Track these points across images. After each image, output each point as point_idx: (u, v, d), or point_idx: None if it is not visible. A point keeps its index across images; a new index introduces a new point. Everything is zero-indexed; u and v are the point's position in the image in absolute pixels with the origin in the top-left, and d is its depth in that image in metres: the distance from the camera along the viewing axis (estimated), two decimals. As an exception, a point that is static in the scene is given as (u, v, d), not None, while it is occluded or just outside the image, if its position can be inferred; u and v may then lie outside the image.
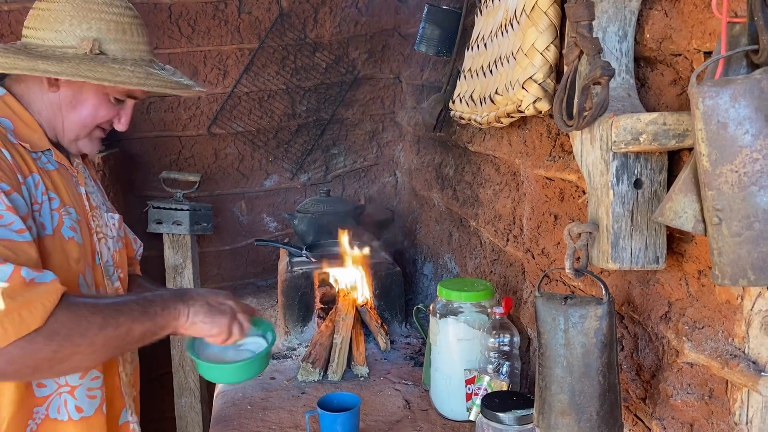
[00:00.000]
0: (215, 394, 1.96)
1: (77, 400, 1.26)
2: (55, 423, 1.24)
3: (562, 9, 1.29)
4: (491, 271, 1.99)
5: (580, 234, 1.09)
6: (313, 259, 2.45)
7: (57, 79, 1.26)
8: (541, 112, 1.37)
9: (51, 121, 1.29)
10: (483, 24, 1.77)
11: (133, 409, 1.45)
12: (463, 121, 1.90)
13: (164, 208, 2.88)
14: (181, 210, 2.87)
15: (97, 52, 1.25)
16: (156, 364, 2.95)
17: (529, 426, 1.31)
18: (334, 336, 2.07)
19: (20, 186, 1.15)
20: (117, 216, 1.49)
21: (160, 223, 2.88)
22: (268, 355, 1.41)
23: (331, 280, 2.41)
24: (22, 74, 1.26)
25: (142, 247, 1.69)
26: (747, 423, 0.92)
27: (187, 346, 1.41)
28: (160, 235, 2.91)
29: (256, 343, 1.43)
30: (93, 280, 1.31)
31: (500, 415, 1.32)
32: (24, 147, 1.22)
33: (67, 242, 1.23)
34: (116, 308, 1.17)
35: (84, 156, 1.43)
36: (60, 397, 1.24)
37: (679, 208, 0.91)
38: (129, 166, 3.03)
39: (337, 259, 2.42)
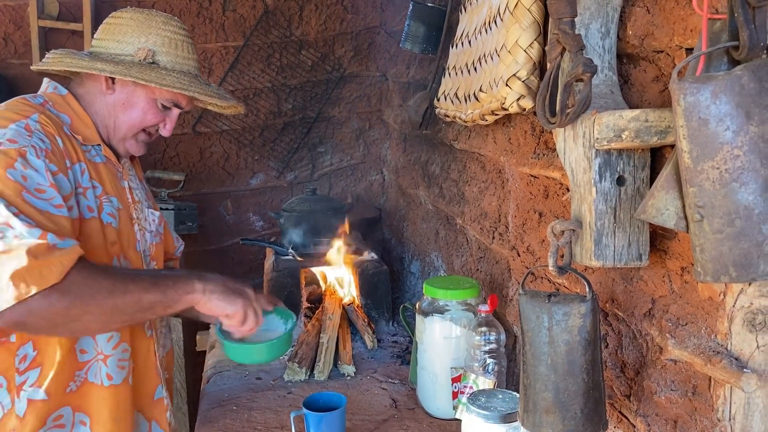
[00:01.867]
0: (201, 394, 1.95)
1: (108, 368, 1.39)
2: (92, 386, 1.38)
3: (546, 6, 1.29)
4: (477, 269, 1.98)
5: (563, 231, 1.09)
6: (300, 258, 2.43)
7: (114, 82, 1.43)
8: (525, 109, 1.37)
9: (105, 119, 1.45)
10: (467, 21, 1.76)
11: (166, 388, 1.56)
12: (448, 119, 1.89)
13: (149, 208, 2.85)
14: (166, 209, 2.84)
15: (150, 61, 1.43)
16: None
17: (515, 424, 1.30)
18: (321, 335, 2.06)
19: (67, 170, 1.30)
20: (158, 213, 1.64)
21: (144, 222, 2.85)
22: (289, 337, 1.55)
23: (318, 279, 2.40)
24: (84, 78, 1.45)
25: (183, 245, 1.84)
26: (730, 419, 0.92)
27: (216, 328, 1.53)
28: (144, 235, 2.88)
29: (278, 327, 1.57)
30: (128, 265, 1.44)
31: (486, 413, 1.31)
32: (76, 139, 1.39)
33: (105, 226, 1.38)
34: (129, 277, 1.28)
35: (133, 158, 1.60)
36: (97, 363, 1.38)
37: (661, 205, 0.91)
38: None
39: (323, 257, 2.41)
